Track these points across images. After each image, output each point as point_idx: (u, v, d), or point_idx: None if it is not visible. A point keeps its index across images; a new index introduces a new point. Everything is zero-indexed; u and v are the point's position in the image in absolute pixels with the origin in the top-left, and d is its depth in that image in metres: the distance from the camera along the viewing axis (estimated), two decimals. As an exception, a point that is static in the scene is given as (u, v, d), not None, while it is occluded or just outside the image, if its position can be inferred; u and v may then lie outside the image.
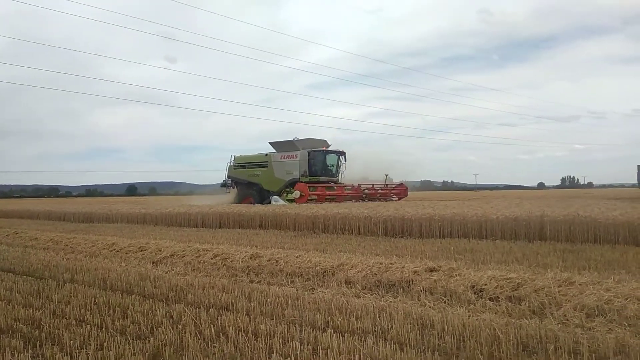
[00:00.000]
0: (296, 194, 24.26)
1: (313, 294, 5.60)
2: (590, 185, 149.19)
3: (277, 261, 7.40)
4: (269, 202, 24.77)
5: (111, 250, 9.85)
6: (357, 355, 3.54)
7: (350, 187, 26.46)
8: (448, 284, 5.58)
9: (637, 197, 33.00)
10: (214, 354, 3.72)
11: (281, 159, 27.47)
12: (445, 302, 5.09)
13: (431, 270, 6.20)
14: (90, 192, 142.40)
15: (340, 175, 27.93)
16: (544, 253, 8.60)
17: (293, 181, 25.91)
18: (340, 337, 3.92)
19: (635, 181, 35.80)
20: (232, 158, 30.10)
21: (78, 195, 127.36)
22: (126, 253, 9.41)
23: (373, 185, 27.83)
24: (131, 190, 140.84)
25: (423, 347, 3.73)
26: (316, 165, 26.52)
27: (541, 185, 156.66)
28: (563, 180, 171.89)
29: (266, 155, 28.40)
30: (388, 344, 3.75)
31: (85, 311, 5.03)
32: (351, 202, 22.83)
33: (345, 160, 27.89)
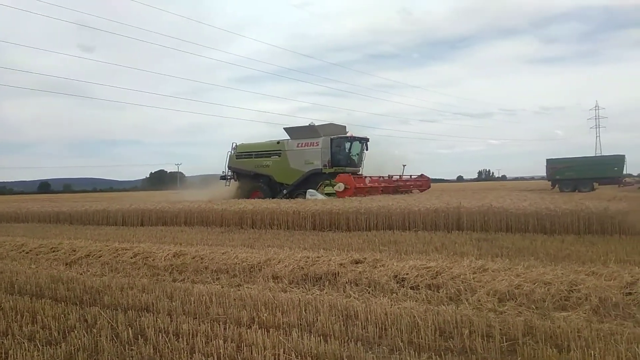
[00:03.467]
0: (339, 186, 20.98)
1: (239, 290, 5.51)
2: (504, 177, 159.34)
3: (202, 258, 7.22)
4: (285, 196, 22.27)
5: (20, 252, 9.14)
6: (282, 350, 3.52)
7: (381, 179, 23.74)
8: (372, 274, 5.71)
9: (545, 188, 35.79)
10: (132, 357, 3.56)
11: (298, 146, 24.11)
12: (369, 293, 5.21)
13: (357, 262, 6.33)
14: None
15: (362, 165, 24.90)
16: (461, 242, 9.06)
17: (314, 172, 23.10)
18: (266, 333, 3.89)
19: (544, 174, 38.59)
20: (234, 146, 26.79)
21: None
22: (37, 254, 8.77)
23: (401, 176, 25.24)
24: (44, 187, 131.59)
25: (347, 338, 3.79)
26: (340, 154, 23.36)
27: (460, 178, 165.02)
28: (480, 173, 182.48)
29: (278, 142, 25.14)
30: (313, 336, 3.77)
31: (-12, 318, 4.62)
32: (380, 196, 20.03)
33: (367, 149, 24.83)
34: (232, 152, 26.89)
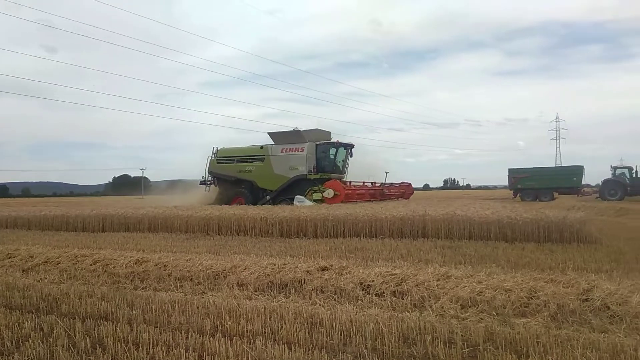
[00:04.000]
0: (329, 192, 20.76)
1: (203, 298, 5.41)
2: (468, 186, 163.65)
3: (165, 265, 7.06)
4: (268, 203, 21.82)
5: (-28, 259, 8.72)
6: (245, 359, 3.48)
7: (369, 186, 23.95)
8: (338, 282, 5.71)
9: (507, 197, 36.78)
10: (89, 367, 3.44)
11: (282, 152, 23.83)
12: (335, 300, 5.21)
13: (323, 269, 6.32)
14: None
15: (346, 172, 24.85)
16: (426, 249, 9.18)
17: (298, 178, 22.89)
18: (229, 341, 3.83)
19: (506, 183, 39.79)
20: (215, 150, 26.19)
21: None
22: (-9, 261, 8.40)
23: (385, 184, 25.53)
24: (1, 191, 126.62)
25: (311, 346, 3.77)
26: (326, 160, 23.22)
27: (426, 187, 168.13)
28: (445, 181, 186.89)
29: (262, 147, 24.71)
30: (277, 344, 3.74)
31: None
32: (368, 203, 20.06)
33: (352, 155, 24.92)
34: (213, 156, 26.28)
